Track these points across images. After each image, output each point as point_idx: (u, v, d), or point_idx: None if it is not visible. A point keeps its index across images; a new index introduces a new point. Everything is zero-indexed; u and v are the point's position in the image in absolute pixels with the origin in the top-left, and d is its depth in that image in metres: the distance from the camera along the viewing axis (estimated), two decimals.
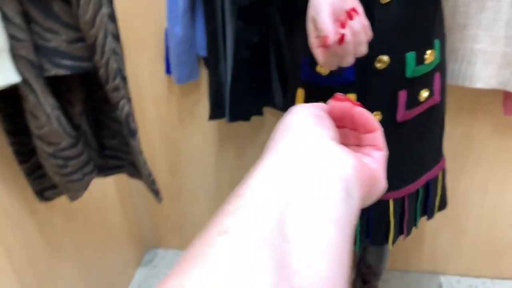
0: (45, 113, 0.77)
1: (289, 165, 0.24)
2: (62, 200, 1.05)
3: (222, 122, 1.41)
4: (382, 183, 0.30)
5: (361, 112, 0.30)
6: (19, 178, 0.94)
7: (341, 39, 0.56)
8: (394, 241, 1.04)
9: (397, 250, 1.53)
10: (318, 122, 0.28)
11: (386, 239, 1.03)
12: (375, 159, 0.30)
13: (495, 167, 1.38)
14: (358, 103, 0.31)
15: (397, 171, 0.95)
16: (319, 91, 0.88)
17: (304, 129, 0.27)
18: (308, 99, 0.90)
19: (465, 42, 1.09)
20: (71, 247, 1.20)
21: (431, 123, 0.96)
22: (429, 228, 1.53)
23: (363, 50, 0.61)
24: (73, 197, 0.93)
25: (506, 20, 1.03)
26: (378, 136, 0.31)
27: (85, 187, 0.93)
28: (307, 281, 0.20)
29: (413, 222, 1.06)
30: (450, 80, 1.13)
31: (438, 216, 1.12)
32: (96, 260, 1.36)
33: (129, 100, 0.87)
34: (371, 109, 0.86)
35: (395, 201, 0.97)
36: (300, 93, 0.91)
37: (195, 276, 0.18)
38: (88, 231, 1.30)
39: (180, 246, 1.77)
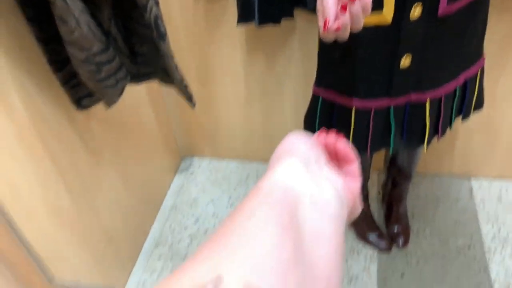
0: (74, 17, 0.77)
1: (294, 173, 0.30)
2: (98, 109, 1.08)
3: (251, 28, 1.37)
4: (358, 209, 0.36)
5: (343, 145, 0.37)
6: (57, 88, 0.97)
7: (338, 29, 0.60)
8: (428, 143, 1.03)
9: (428, 153, 1.53)
10: (311, 148, 0.35)
11: (421, 141, 1.03)
12: (352, 187, 0.36)
13: None
14: (341, 135, 0.38)
15: (435, 69, 0.92)
16: None
17: (302, 151, 0.34)
18: None
19: None
20: (110, 154, 1.26)
21: (473, 19, 0.90)
22: (462, 131, 1.51)
23: (360, 27, 0.62)
24: (109, 103, 0.95)
25: None
26: (355, 167, 0.37)
27: (120, 92, 0.94)
28: (314, 258, 0.26)
29: (448, 123, 1.05)
30: None
31: (472, 119, 1.09)
32: (135, 167, 1.42)
33: (156, 2, 0.85)
34: (412, 0, 0.81)
35: (431, 101, 0.95)
36: None
37: (232, 245, 0.24)
38: (126, 139, 1.34)
39: (214, 154, 1.82)
